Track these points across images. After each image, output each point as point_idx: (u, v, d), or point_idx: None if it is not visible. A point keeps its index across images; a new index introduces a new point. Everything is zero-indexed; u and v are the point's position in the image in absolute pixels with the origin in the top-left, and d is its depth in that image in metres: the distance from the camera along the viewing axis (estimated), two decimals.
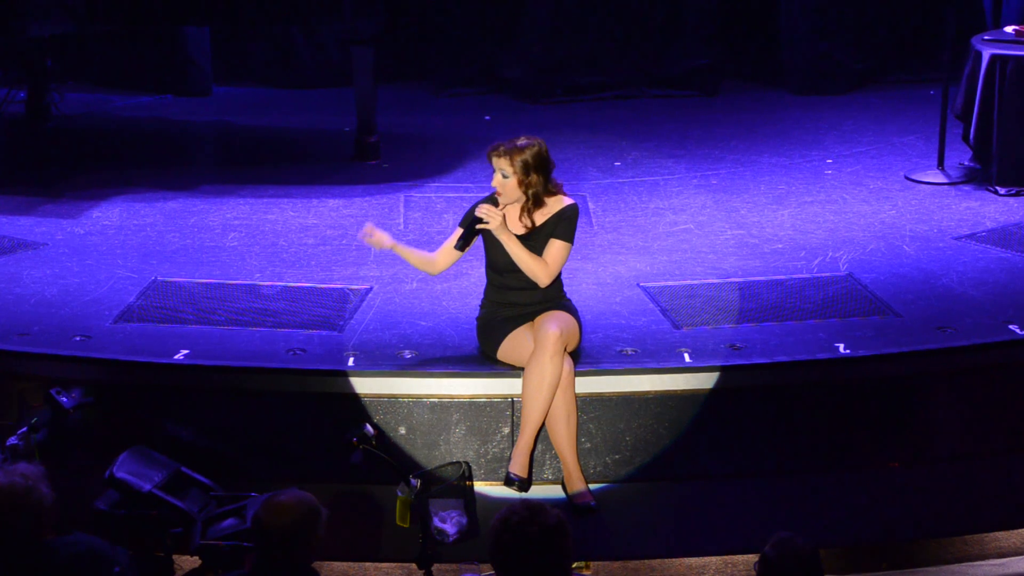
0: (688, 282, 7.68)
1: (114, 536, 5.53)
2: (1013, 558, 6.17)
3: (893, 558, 6.18)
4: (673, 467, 6.62)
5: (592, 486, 6.48)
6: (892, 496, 6.53)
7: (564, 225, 6.52)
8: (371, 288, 7.63)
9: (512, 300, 6.58)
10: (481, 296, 6.73)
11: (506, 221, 6.44)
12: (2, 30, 9.27)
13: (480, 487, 6.45)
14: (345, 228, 8.62)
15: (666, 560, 6.14)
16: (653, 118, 11.11)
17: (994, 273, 7.71)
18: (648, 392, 6.59)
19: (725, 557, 6.13)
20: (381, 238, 6.55)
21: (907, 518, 6.39)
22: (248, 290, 7.62)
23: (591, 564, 6.08)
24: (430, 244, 8.27)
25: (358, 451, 5.76)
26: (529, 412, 6.36)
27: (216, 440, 6.62)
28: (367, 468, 5.84)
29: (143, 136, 10.80)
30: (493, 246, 6.54)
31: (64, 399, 6.29)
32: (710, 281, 7.69)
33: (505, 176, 6.44)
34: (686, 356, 6.72)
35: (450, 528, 6.07)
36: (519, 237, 6.48)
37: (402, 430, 6.59)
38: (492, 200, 6.58)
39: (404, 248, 6.64)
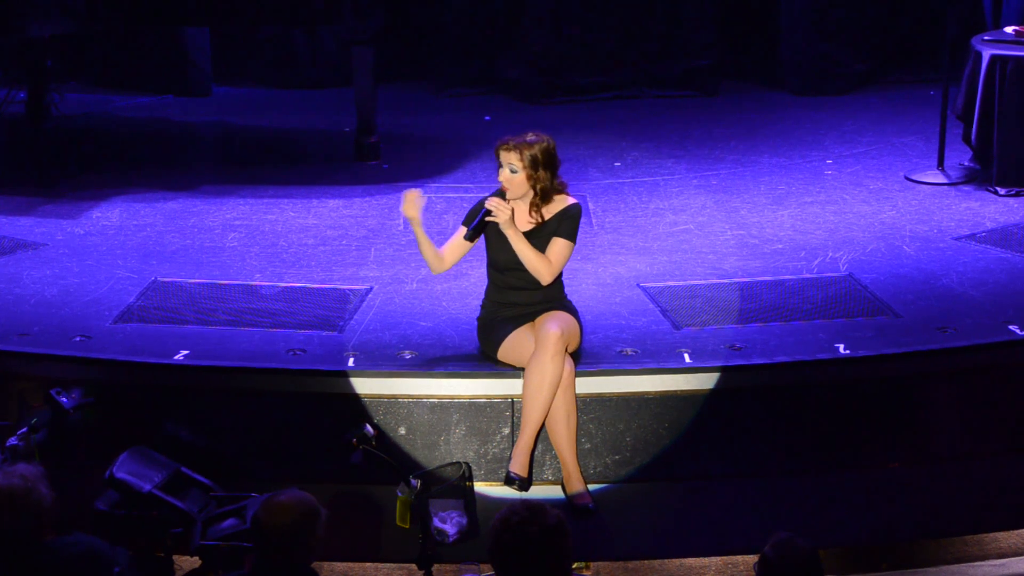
0: (688, 282, 7.68)
1: (114, 536, 5.52)
2: (1013, 558, 6.17)
3: (893, 558, 6.17)
4: (673, 467, 6.62)
5: (592, 486, 6.48)
6: (892, 496, 6.53)
7: (567, 224, 6.52)
8: (371, 288, 7.63)
9: (513, 300, 6.58)
10: (481, 296, 6.73)
11: (514, 216, 6.44)
12: (2, 30, 9.26)
13: (480, 487, 6.44)
14: (345, 228, 8.62)
15: (666, 560, 6.14)
16: (653, 118, 11.11)
17: (994, 273, 7.70)
18: (648, 392, 6.59)
19: (725, 557, 6.13)
20: (415, 211, 6.47)
21: (907, 518, 6.39)
22: (248, 290, 7.62)
23: (591, 564, 6.08)
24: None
25: (358, 451, 5.75)
26: (530, 412, 6.36)
27: (216, 440, 6.62)
28: (367, 468, 5.84)
29: (143, 136, 10.80)
30: (495, 243, 6.53)
31: (64, 399, 6.29)
32: (710, 281, 7.69)
33: (513, 171, 6.43)
34: (686, 356, 6.72)
35: (450, 528, 6.07)
36: (524, 234, 6.49)
37: (402, 430, 6.59)
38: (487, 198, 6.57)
39: (423, 234, 6.58)
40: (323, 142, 10.62)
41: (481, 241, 6.59)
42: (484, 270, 6.71)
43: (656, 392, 6.59)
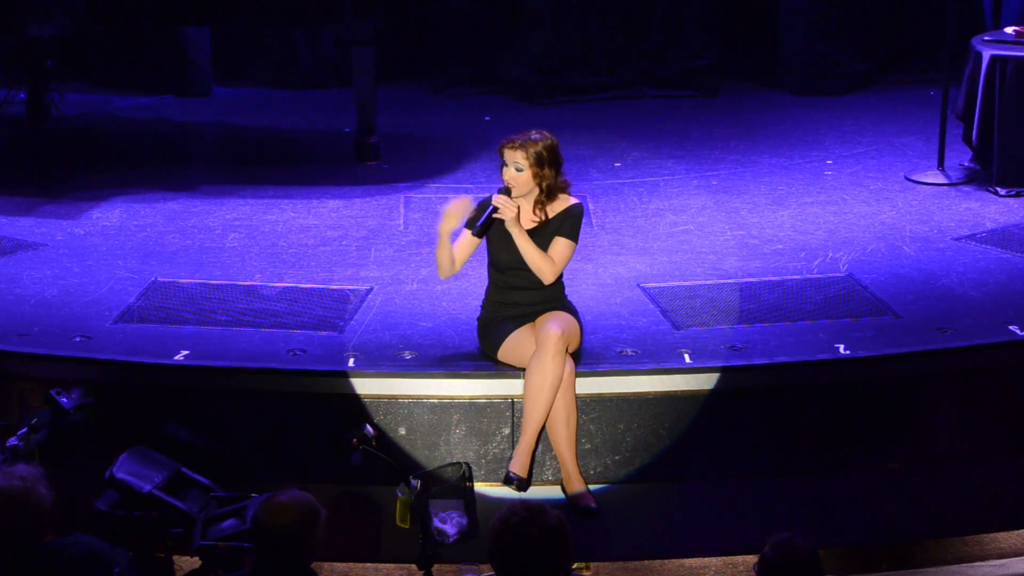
0: (688, 283, 7.68)
1: (114, 537, 5.52)
2: (1013, 559, 6.17)
3: (893, 558, 6.17)
4: (673, 468, 6.62)
5: (592, 487, 6.49)
6: (892, 496, 6.53)
7: (569, 223, 6.53)
8: (371, 289, 7.63)
9: (514, 300, 6.58)
10: (481, 297, 6.73)
11: (519, 215, 6.44)
12: (2, 30, 9.26)
13: (480, 488, 6.44)
14: (345, 229, 8.62)
15: (666, 561, 6.14)
16: (653, 119, 11.11)
17: (994, 274, 7.71)
18: (648, 393, 6.59)
19: (725, 558, 6.13)
20: (453, 222, 6.47)
21: (907, 518, 6.39)
22: (248, 291, 7.62)
23: (591, 565, 6.08)
24: (430, 245, 8.28)
25: (358, 452, 5.75)
26: (530, 412, 6.36)
27: (216, 441, 6.62)
28: (367, 469, 5.84)
29: (143, 137, 10.80)
30: (497, 243, 6.53)
31: (64, 400, 6.29)
32: (710, 282, 7.69)
33: (519, 169, 6.43)
34: (686, 357, 6.73)
35: (450, 529, 6.07)
36: (527, 232, 6.50)
37: (402, 431, 6.59)
38: (489, 199, 6.57)
39: (448, 240, 6.56)
40: (323, 142, 10.62)
41: (484, 240, 6.58)
42: (484, 270, 6.71)
43: (656, 392, 6.59)
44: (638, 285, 7.65)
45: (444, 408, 6.59)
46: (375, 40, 9.65)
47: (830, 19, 11.63)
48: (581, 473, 6.46)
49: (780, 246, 8.23)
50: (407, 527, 5.78)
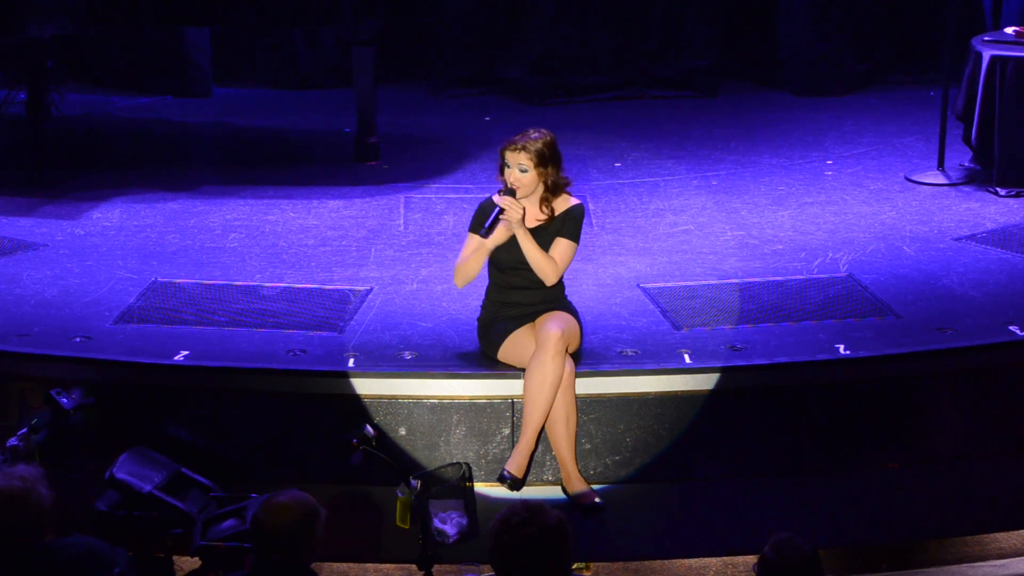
0: (688, 283, 7.68)
1: (114, 537, 5.53)
2: (1013, 559, 6.17)
3: (893, 559, 6.18)
4: (673, 468, 6.62)
5: (592, 487, 6.48)
6: (892, 497, 6.53)
7: (570, 224, 6.54)
8: (371, 289, 7.63)
9: (514, 300, 6.58)
10: (481, 297, 6.73)
11: (524, 215, 6.45)
12: (2, 30, 9.26)
13: (480, 488, 6.45)
14: (345, 229, 8.62)
15: (666, 561, 6.14)
16: (653, 119, 11.11)
17: (994, 274, 7.70)
18: (648, 393, 6.59)
19: (725, 558, 6.14)
20: (504, 231, 6.46)
21: (907, 519, 6.39)
22: (248, 291, 7.62)
23: (591, 565, 6.09)
24: (430, 245, 8.30)
25: (358, 452, 5.76)
26: (530, 412, 6.36)
27: (216, 441, 6.62)
28: (367, 469, 5.84)
29: (143, 137, 10.80)
30: (499, 243, 6.53)
31: (64, 400, 6.29)
32: (710, 282, 7.69)
33: (523, 170, 6.44)
34: (686, 357, 6.72)
35: (450, 529, 6.07)
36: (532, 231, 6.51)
37: (402, 431, 6.59)
38: (490, 200, 6.58)
39: (481, 256, 6.55)
40: (323, 142, 10.62)
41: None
42: (485, 270, 6.70)
43: (656, 393, 6.59)
44: (638, 285, 7.65)
45: (444, 408, 6.59)
46: (375, 40, 9.64)
47: (830, 19, 11.63)
48: (581, 473, 6.46)
49: (780, 246, 8.22)
50: (407, 527, 5.78)
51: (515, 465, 6.40)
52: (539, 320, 6.51)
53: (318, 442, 6.56)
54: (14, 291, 7.60)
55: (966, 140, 9.22)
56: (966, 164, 9.34)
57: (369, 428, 5.81)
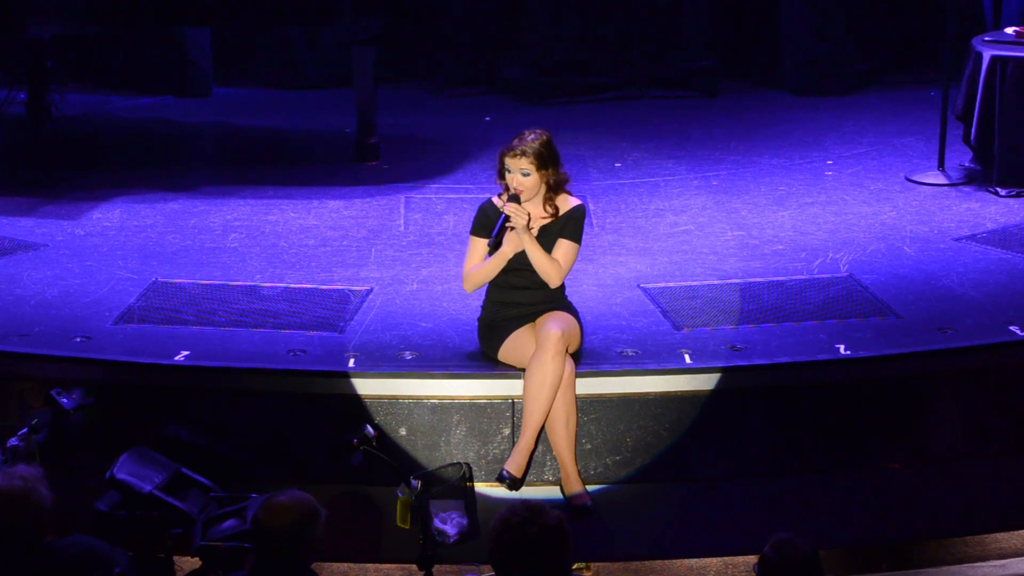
0: (689, 283, 7.68)
1: (114, 537, 5.53)
2: (1013, 559, 6.17)
3: (893, 559, 6.18)
4: (673, 468, 6.62)
5: (592, 487, 6.49)
6: (892, 497, 6.53)
7: (572, 225, 6.54)
8: (371, 289, 7.63)
9: (515, 300, 6.59)
10: (482, 297, 6.73)
11: (529, 219, 6.46)
12: (2, 31, 9.26)
13: (480, 488, 6.45)
14: (345, 229, 8.62)
15: (666, 561, 6.14)
16: (653, 119, 11.11)
17: (995, 274, 7.70)
18: (649, 393, 6.59)
19: (725, 558, 6.14)
20: (514, 237, 6.46)
21: (907, 519, 6.39)
22: (248, 291, 7.62)
23: (591, 565, 6.09)
24: (430, 245, 8.30)
25: (358, 452, 5.76)
26: (531, 413, 6.36)
27: (216, 441, 6.62)
28: (367, 469, 5.84)
29: (143, 137, 10.80)
30: (518, 250, 6.54)
31: (64, 400, 6.29)
32: (710, 282, 7.69)
33: (526, 174, 6.44)
34: (687, 357, 6.72)
35: (450, 529, 6.08)
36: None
37: (403, 431, 6.59)
38: (491, 203, 6.59)
39: (498, 263, 6.56)
40: (323, 143, 10.62)
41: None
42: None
43: (657, 393, 6.59)
44: (638, 285, 7.65)
45: (444, 408, 6.59)
46: (375, 40, 9.65)
47: (830, 19, 11.63)
48: (581, 474, 6.46)
49: (780, 246, 8.23)
50: (407, 527, 5.79)
51: (514, 465, 6.40)
52: (539, 320, 6.51)
53: (318, 442, 6.56)
54: (14, 291, 7.60)
55: (966, 140, 9.22)
56: (966, 164, 9.34)
57: (369, 428, 5.81)
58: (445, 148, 10.31)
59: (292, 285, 7.69)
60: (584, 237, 6.67)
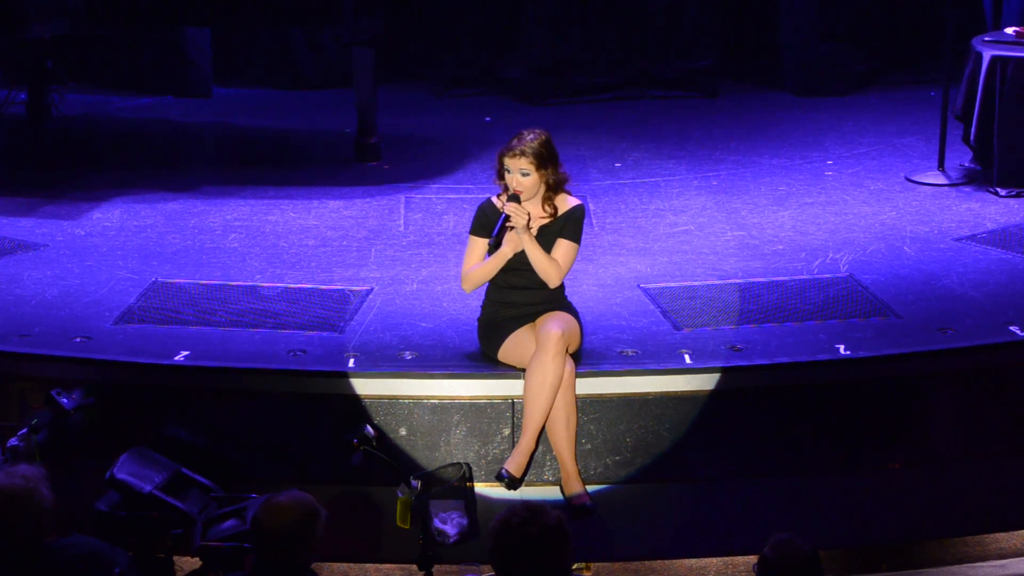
0: (689, 283, 7.68)
1: (114, 537, 5.53)
2: (1013, 559, 6.17)
3: (893, 559, 6.18)
4: (673, 468, 6.62)
5: (592, 487, 6.48)
6: (892, 497, 6.53)
7: (571, 225, 6.54)
8: (371, 289, 7.63)
9: (514, 300, 6.59)
10: (482, 297, 6.73)
11: (529, 219, 6.46)
12: (2, 31, 9.26)
13: (480, 488, 6.45)
14: (345, 229, 8.62)
15: (666, 561, 6.15)
16: (653, 119, 11.11)
17: (995, 274, 7.70)
18: (649, 393, 6.59)
19: (725, 558, 6.14)
20: (514, 237, 6.47)
21: (907, 519, 6.40)
22: (248, 291, 7.62)
23: (591, 565, 6.09)
24: (430, 246, 8.30)
25: (358, 452, 5.76)
26: (531, 413, 6.36)
27: (216, 441, 6.62)
28: (367, 469, 5.84)
29: (143, 137, 10.80)
30: (518, 250, 6.53)
31: (65, 400, 6.30)
32: (711, 282, 7.69)
33: (525, 174, 6.44)
34: (687, 357, 6.72)
35: (450, 529, 6.08)
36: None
37: (403, 431, 6.59)
38: (490, 203, 6.59)
39: (497, 263, 6.58)
40: (323, 143, 10.62)
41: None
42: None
43: (657, 393, 6.59)
44: (638, 285, 7.65)
45: (444, 409, 6.59)
46: (375, 40, 9.65)
47: (830, 20, 11.64)
48: (581, 474, 6.46)
49: (780, 247, 8.23)
50: (407, 527, 5.79)
51: (514, 464, 6.40)
52: (539, 320, 6.51)
53: (318, 442, 6.56)
54: (14, 291, 7.60)
55: (966, 140, 9.22)
56: (966, 164, 9.34)
57: (369, 428, 5.82)
58: (445, 148, 10.31)
59: (292, 285, 7.69)
60: (584, 237, 6.67)
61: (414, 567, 5.70)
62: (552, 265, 6.49)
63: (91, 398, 6.47)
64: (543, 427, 6.41)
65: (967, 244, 8.19)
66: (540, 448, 6.51)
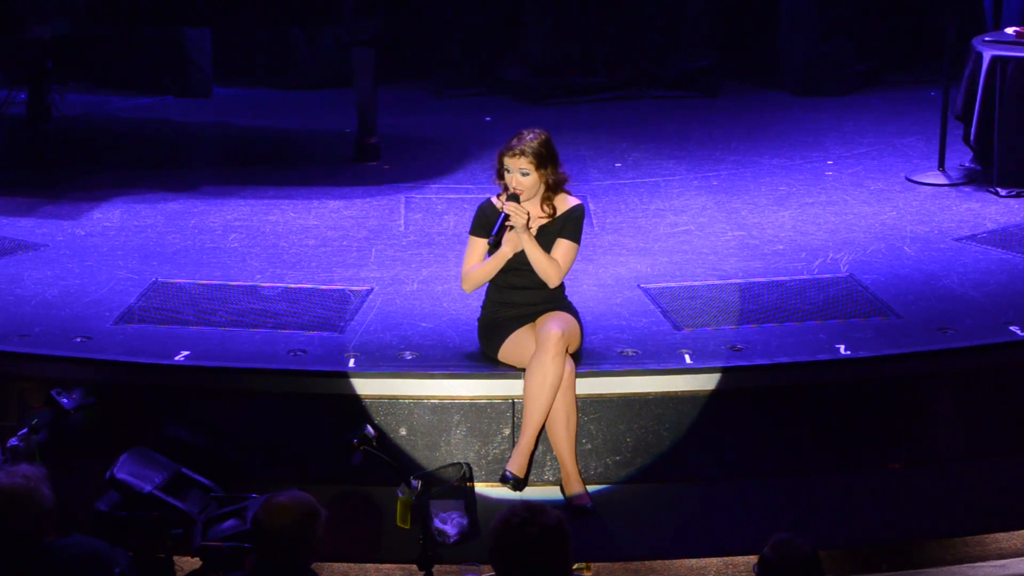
0: (689, 283, 7.69)
1: (115, 537, 5.53)
2: (1013, 559, 6.17)
3: (893, 559, 6.17)
4: (673, 468, 6.62)
5: (592, 487, 6.49)
6: (892, 497, 6.53)
7: (571, 225, 6.54)
8: (372, 289, 7.63)
9: (514, 300, 6.59)
10: (482, 297, 6.73)
11: (528, 219, 6.47)
12: (2, 31, 9.26)
13: (481, 488, 6.45)
14: (346, 229, 8.62)
15: (666, 561, 6.14)
16: (654, 119, 11.11)
17: (995, 274, 7.71)
18: (649, 393, 6.59)
19: (725, 558, 6.13)
20: (513, 237, 6.47)
21: (907, 519, 6.39)
22: (249, 291, 7.62)
23: (592, 565, 6.08)
24: (431, 245, 8.31)
25: (359, 452, 5.76)
26: (531, 413, 6.36)
27: (217, 441, 6.62)
28: (367, 469, 5.84)
29: (144, 137, 10.80)
30: (518, 250, 6.53)
31: (65, 400, 6.29)
32: (711, 282, 7.69)
33: (525, 174, 6.44)
34: (687, 357, 6.73)
35: (451, 529, 6.08)
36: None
37: (403, 431, 6.59)
38: (489, 203, 6.59)
39: (497, 263, 6.58)
40: (323, 143, 10.62)
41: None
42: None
43: (657, 393, 6.59)
44: (639, 285, 7.65)
45: (445, 408, 6.59)
46: (375, 40, 9.65)
47: (830, 20, 11.63)
48: (581, 474, 6.46)
49: (781, 247, 8.23)
50: (407, 527, 5.79)
51: (516, 465, 6.40)
52: (539, 320, 6.51)
53: (318, 442, 6.56)
54: (14, 291, 7.61)
55: (966, 140, 9.22)
56: (966, 164, 9.34)
57: (369, 428, 5.81)
58: (445, 148, 10.31)
59: (292, 285, 7.69)
60: (584, 237, 6.67)
61: (414, 567, 5.69)
62: (552, 265, 6.50)
63: (91, 398, 6.47)
64: (543, 427, 6.41)
65: (967, 244, 8.19)
66: (540, 448, 6.51)
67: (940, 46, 9.74)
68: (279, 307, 7.39)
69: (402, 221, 8.78)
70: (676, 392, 6.60)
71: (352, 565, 6.13)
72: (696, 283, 7.69)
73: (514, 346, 6.54)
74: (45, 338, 6.97)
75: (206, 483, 6.09)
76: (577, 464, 6.44)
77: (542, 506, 4.45)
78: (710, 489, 6.59)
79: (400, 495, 5.80)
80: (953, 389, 6.81)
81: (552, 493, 6.47)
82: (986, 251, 8.07)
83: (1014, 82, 8.79)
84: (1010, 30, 9.25)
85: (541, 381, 6.32)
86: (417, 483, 5.77)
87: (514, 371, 6.55)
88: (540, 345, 6.36)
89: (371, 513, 6.36)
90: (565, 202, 6.58)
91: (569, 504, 6.36)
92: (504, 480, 6.39)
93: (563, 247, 6.53)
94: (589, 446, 6.59)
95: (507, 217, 6.40)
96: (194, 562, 5.80)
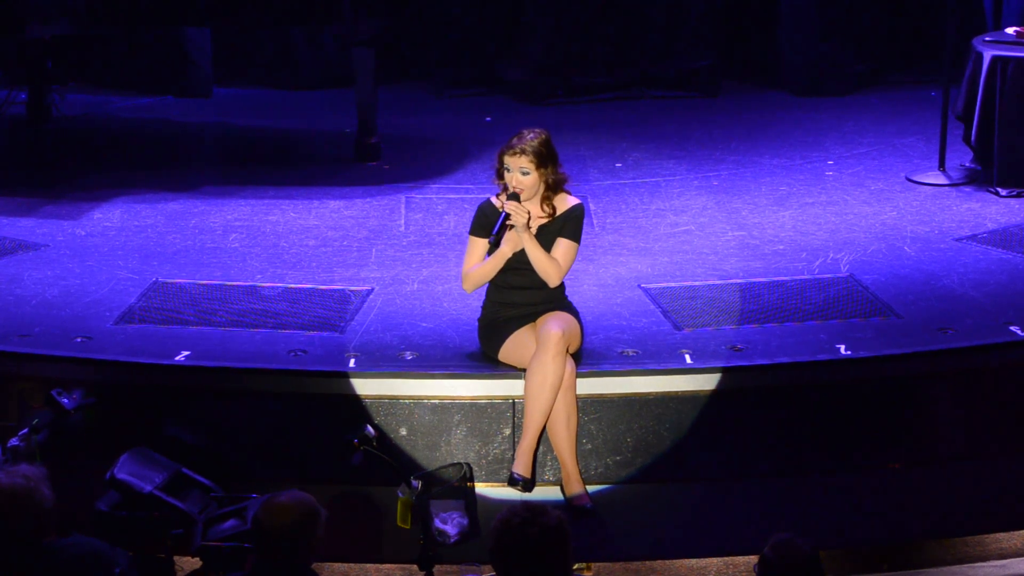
0: (689, 283, 7.69)
1: (115, 537, 5.53)
2: (1014, 559, 6.17)
3: (894, 559, 6.17)
4: (674, 468, 6.62)
5: (593, 487, 6.49)
6: (893, 497, 6.53)
7: (571, 225, 6.54)
8: (372, 289, 7.63)
9: (514, 300, 6.59)
10: (482, 297, 6.73)
11: (529, 218, 6.47)
12: (2, 30, 9.26)
13: (481, 488, 6.45)
14: (346, 229, 8.62)
15: (666, 561, 6.14)
16: (654, 119, 11.11)
17: (995, 274, 7.71)
18: (649, 393, 6.59)
19: (725, 558, 6.13)
20: (514, 236, 6.48)
21: (908, 519, 6.39)
22: (249, 291, 7.62)
23: (592, 565, 6.08)
24: (431, 245, 8.31)
25: (359, 452, 5.76)
26: (531, 413, 6.36)
27: (217, 441, 6.62)
28: (368, 469, 5.84)
29: (144, 137, 10.80)
30: (517, 249, 6.53)
31: (65, 400, 6.30)
32: (711, 282, 7.69)
33: (525, 173, 6.44)
34: (687, 357, 6.73)
35: (451, 529, 6.08)
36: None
37: (403, 431, 6.59)
38: (489, 203, 6.59)
39: (497, 263, 6.58)
40: (324, 143, 10.62)
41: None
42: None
43: (657, 393, 6.59)
44: (639, 285, 7.65)
45: (445, 409, 6.59)
46: (375, 40, 9.65)
47: (830, 20, 11.63)
48: (581, 474, 6.46)
49: (781, 247, 8.23)
50: (408, 527, 5.79)
51: (521, 466, 6.40)
52: (540, 320, 6.51)
53: (318, 442, 6.56)
54: (15, 291, 7.61)
55: (966, 140, 9.22)
56: (967, 164, 9.34)
57: (370, 428, 5.81)
58: (445, 148, 10.31)
59: (292, 285, 7.69)
60: (584, 237, 6.67)
61: (414, 567, 5.69)
62: (552, 264, 6.49)
63: (91, 398, 6.47)
64: (544, 427, 6.41)
65: (967, 244, 8.19)
66: (540, 448, 6.51)
67: (940, 46, 9.75)
68: (279, 307, 7.39)
69: (402, 221, 8.78)
70: (676, 392, 6.60)
71: (352, 565, 6.13)
72: (696, 283, 7.69)
73: (514, 346, 6.54)
74: (45, 338, 6.97)
75: (206, 483, 6.09)
76: (578, 464, 6.45)
77: (542, 506, 4.45)
78: (710, 489, 6.59)
79: (400, 495, 5.80)
80: (953, 389, 6.81)
81: (552, 493, 6.47)
82: (986, 251, 8.07)
83: (1014, 82, 8.79)
84: (1010, 30, 9.25)
85: (542, 381, 6.32)
86: (417, 483, 5.77)
87: (514, 371, 6.55)
88: (540, 345, 6.36)
89: (371, 513, 6.36)
90: (565, 202, 6.58)
91: (569, 504, 6.36)
92: (513, 482, 6.39)
93: (563, 246, 6.53)
94: (589, 446, 6.59)
95: (507, 216, 6.40)
96: (194, 562, 5.81)
